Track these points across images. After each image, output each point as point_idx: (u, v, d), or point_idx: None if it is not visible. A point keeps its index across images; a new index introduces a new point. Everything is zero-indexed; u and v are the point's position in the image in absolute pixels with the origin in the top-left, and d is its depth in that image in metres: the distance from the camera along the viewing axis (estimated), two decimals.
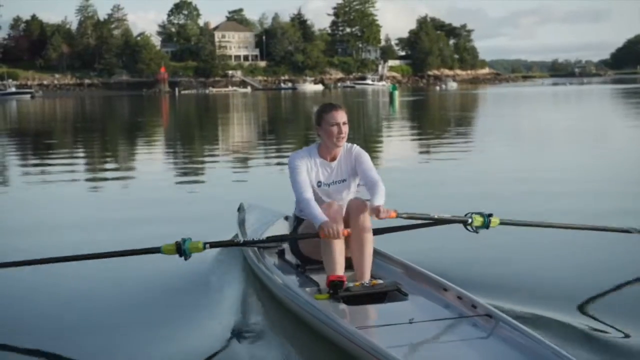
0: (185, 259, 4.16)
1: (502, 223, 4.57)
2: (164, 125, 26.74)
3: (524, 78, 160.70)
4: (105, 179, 10.84)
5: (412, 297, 4.03)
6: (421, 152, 14.22)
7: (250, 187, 9.80)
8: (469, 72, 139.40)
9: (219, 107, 46.24)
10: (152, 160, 13.55)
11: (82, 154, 15.21)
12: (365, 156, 4.45)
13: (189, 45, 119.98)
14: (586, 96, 46.72)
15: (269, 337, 4.00)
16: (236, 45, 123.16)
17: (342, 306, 3.92)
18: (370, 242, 4.21)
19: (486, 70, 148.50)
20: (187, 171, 11.98)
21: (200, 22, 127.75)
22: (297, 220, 4.55)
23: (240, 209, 6.13)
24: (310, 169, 4.41)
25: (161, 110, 43.74)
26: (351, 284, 4.03)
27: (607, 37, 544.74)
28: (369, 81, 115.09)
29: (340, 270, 4.09)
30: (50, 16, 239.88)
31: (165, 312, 4.42)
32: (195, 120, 30.53)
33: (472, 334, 3.53)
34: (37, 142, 19.06)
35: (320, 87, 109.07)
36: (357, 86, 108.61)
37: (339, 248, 4.11)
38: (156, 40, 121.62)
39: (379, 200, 4.14)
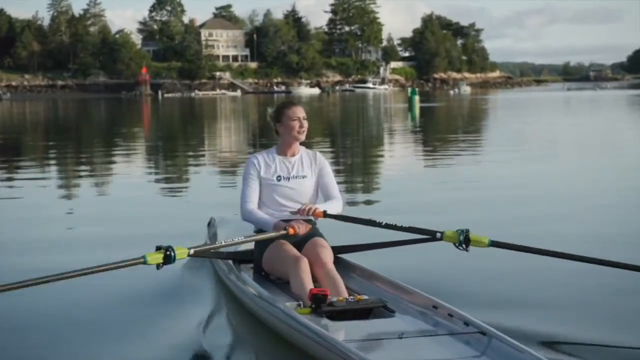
0: (158, 268, 4.10)
1: (493, 245, 4.46)
2: (145, 135, 25.78)
3: (537, 82, 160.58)
4: (78, 198, 10.69)
5: (399, 314, 4.13)
6: (477, 174, 12.44)
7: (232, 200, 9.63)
8: (478, 75, 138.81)
9: (206, 113, 45.85)
10: (129, 176, 13.09)
11: (52, 170, 14.70)
12: (329, 168, 4.87)
13: (173, 44, 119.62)
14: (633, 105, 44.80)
15: (246, 353, 4.19)
16: (224, 44, 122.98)
17: (325, 321, 4.01)
18: (334, 268, 4.51)
19: (497, 74, 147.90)
20: (165, 185, 12.07)
21: (185, 19, 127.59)
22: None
23: (211, 224, 6.22)
24: (268, 166, 4.75)
25: (142, 117, 43.19)
26: (335, 299, 4.13)
27: (619, 39, 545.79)
28: (369, 84, 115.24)
29: (309, 288, 4.27)
30: (20, 11, 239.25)
31: (131, 328, 4.56)
32: (180, 130, 29.79)
33: (466, 352, 3.64)
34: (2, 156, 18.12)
35: (317, 90, 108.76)
36: (357, 90, 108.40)
37: (304, 268, 4.41)
38: (137, 39, 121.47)
39: (323, 206, 4.68)
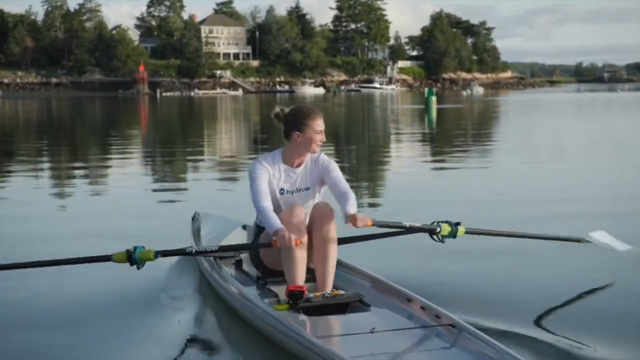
0: (138, 268, 4.46)
1: (467, 232, 4.95)
2: (142, 140, 25.13)
3: (551, 83, 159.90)
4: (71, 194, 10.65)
5: (374, 308, 4.36)
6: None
7: (222, 197, 10.33)
8: (489, 75, 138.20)
9: (206, 113, 45.40)
10: (124, 180, 13.03)
11: (44, 173, 14.55)
12: (334, 165, 4.80)
13: (172, 41, 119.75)
14: None
15: (225, 349, 4.30)
16: (225, 41, 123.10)
17: (302, 317, 4.22)
18: (334, 252, 4.58)
19: (509, 74, 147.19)
20: (159, 187, 12.12)
21: (185, 15, 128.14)
22: (259, 229, 4.87)
23: (195, 218, 6.49)
24: (272, 176, 4.72)
25: (139, 117, 42.71)
26: (311, 295, 4.34)
27: (633, 39, 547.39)
28: (376, 84, 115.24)
29: (300, 280, 4.44)
30: (13, 5, 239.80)
31: (114, 325, 4.64)
32: (179, 132, 29.20)
33: (436, 344, 3.87)
34: None
35: (321, 90, 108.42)
36: (363, 90, 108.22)
37: (300, 257, 4.47)
38: (134, 35, 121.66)
39: (353, 209, 4.50)
